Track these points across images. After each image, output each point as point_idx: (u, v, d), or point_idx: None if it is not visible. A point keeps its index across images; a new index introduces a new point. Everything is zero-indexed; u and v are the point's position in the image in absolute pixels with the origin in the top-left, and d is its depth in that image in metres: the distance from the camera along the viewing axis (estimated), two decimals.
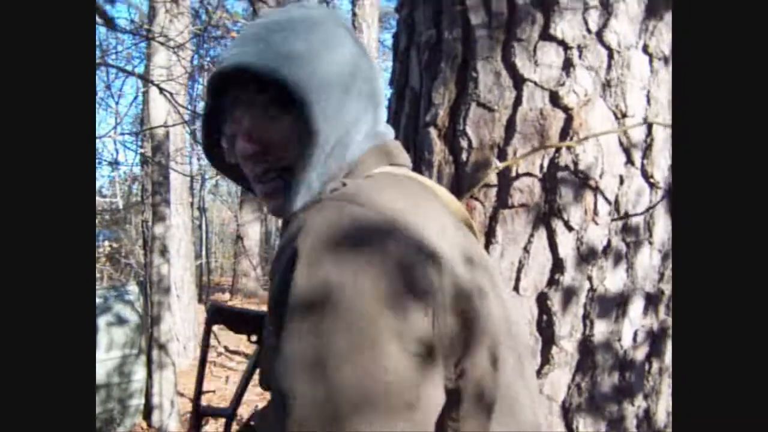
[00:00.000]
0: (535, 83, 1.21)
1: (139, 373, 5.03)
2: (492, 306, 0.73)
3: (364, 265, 0.62)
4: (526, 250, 1.21)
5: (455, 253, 0.70)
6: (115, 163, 10.76)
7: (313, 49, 0.79)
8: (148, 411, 5.19)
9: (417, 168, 1.31)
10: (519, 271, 1.21)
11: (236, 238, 11.45)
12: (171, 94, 3.16)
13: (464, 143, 1.25)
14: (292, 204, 0.79)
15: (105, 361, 4.84)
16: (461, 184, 1.25)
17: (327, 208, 0.67)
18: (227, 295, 11.95)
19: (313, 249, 0.63)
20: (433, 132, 1.29)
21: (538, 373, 1.20)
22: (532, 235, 1.21)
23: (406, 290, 0.62)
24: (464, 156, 1.25)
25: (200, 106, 9.54)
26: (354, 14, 6.32)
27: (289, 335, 0.62)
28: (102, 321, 4.83)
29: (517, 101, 1.21)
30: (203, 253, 12.45)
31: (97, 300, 4.90)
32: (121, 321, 4.89)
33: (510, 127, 1.21)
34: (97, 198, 11.92)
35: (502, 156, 1.22)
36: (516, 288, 1.21)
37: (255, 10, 5.45)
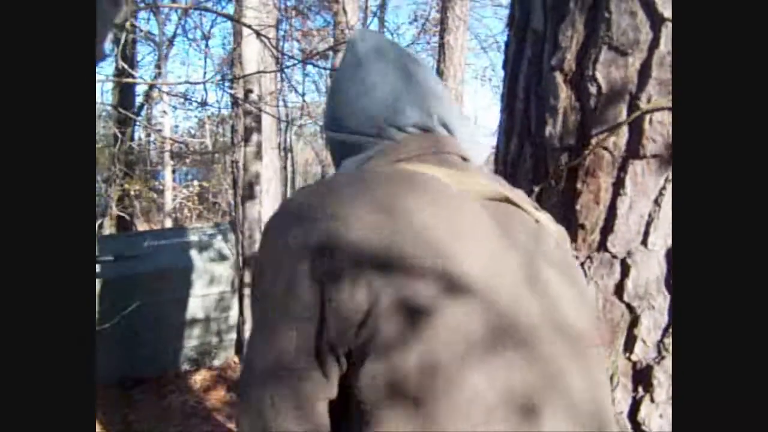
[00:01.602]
0: None
1: (235, 309, 5.23)
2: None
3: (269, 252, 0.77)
4: (656, 203, 1.15)
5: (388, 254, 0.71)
6: (204, 104, 10.97)
7: (342, 103, 0.96)
8: (239, 346, 5.41)
9: (540, 115, 1.26)
10: (648, 225, 1.15)
11: (321, 178, 11.60)
12: (268, 38, 3.15)
13: (593, 89, 1.18)
14: None
15: (206, 296, 5.04)
16: (588, 132, 1.19)
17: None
18: None
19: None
20: (558, 77, 1.23)
21: (665, 331, 1.15)
22: (663, 188, 1.14)
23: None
24: (592, 102, 1.18)
25: (288, 47, 9.57)
26: None
27: None
28: (204, 257, 5.01)
29: (654, 43, 1.13)
30: (288, 193, 12.70)
31: (196, 237, 5.08)
32: (222, 258, 5.06)
33: (644, 72, 1.14)
34: (187, 138, 12.26)
35: (634, 103, 1.15)
36: (644, 242, 1.15)
37: None
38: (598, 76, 1.17)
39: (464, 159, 0.92)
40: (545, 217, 0.92)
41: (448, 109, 0.95)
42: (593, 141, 1.18)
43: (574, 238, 1.20)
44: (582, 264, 1.19)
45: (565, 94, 1.22)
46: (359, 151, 0.92)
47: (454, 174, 0.85)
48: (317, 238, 0.72)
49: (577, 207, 1.19)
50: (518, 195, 0.92)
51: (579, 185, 1.20)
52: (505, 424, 0.69)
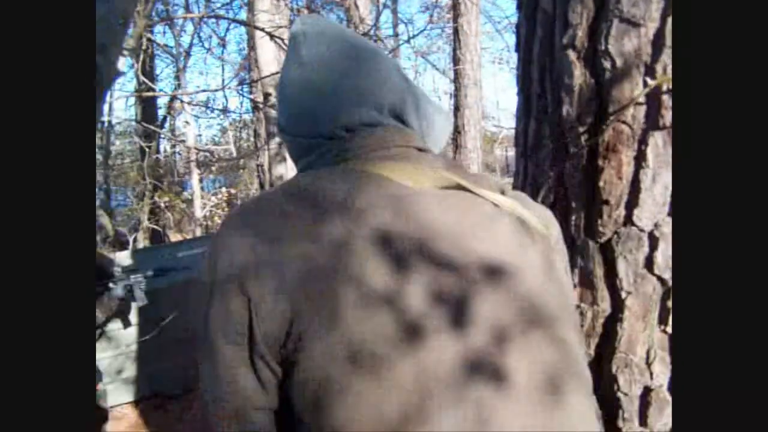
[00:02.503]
0: None
1: None
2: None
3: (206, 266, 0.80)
4: None
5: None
6: (225, 111, 11.06)
7: (289, 104, 0.93)
8: None
9: (556, 95, 1.26)
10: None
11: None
12: (282, 40, 3.16)
13: (607, 63, 1.17)
14: None
15: None
16: (605, 108, 1.18)
17: None
18: None
19: None
20: (571, 54, 1.22)
21: None
22: None
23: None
24: (607, 77, 1.17)
25: None
26: None
27: None
28: None
29: (666, 11, 1.11)
30: None
31: None
32: None
33: (658, 41, 1.13)
34: (211, 146, 12.39)
35: (650, 73, 1.13)
36: (671, 213, 1.14)
37: None
38: (611, 50, 1.16)
39: (420, 149, 0.89)
40: (508, 201, 0.85)
41: (401, 98, 0.91)
42: (611, 116, 1.17)
43: (599, 215, 1.19)
44: (609, 240, 1.19)
45: (579, 72, 1.21)
46: (313, 152, 0.90)
47: (401, 167, 0.83)
48: (243, 258, 0.75)
49: (600, 183, 1.19)
50: (478, 180, 0.87)
51: (600, 162, 1.19)
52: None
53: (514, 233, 0.81)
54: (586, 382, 0.80)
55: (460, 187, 0.82)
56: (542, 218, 0.88)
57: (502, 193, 0.87)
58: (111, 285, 3.92)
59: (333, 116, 0.88)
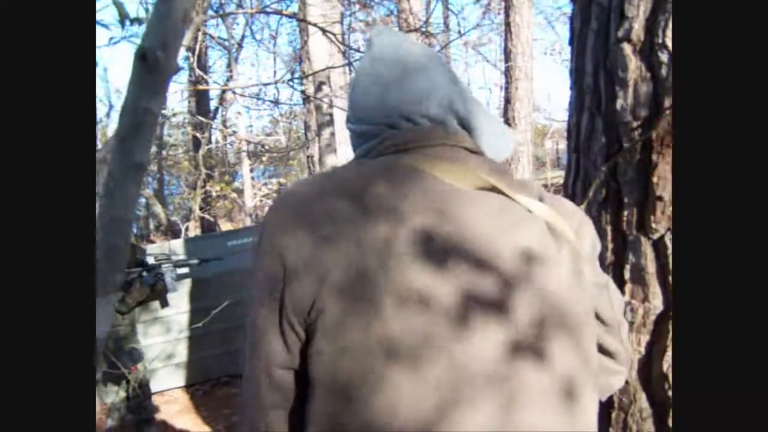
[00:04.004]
0: None
1: None
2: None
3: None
4: None
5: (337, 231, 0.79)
6: (276, 103, 11.18)
7: (358, 96, 0.97)
8: None
9: (610, 88, 1.24)
10: None
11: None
12: (334, 35, 3.18)
13: (664, 57, 1.15)
14: None
15: None
16: (661, 102, 1.16)
17: None
18: None
19: None
20: (627, 48, 1.20)
21: None
22: None
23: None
24: (664, 71, 1.16)
25: (354, 38, 9.63)
26: None
27: None
28: None
29: None
30: None
31: None
32: None
33: None
34: (262, 137, 12.55)
35: None
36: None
37: None
38: (669, 43, 1.14)
39: (472, 151, 0.91)
40: (543, 208, 0.86)
41: (463, 101, 0.94)
42: (666, 110, 1.15)
43: (652, 211, 1.18)
44: (662, 237, 1.17)
45: (634, 65, 1.19)
46: (372, 139, 0.92)
47: (446, 166, 0.86)
48: (279, 234, 0.82)
49: (654, 179, 1.17)
50: (517, 185, 0.88)
51: (654, 157, 1.17)
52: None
53: (544, 237, 0.83)
54: (595, 393, 0.86)
55: (495, 190, 0.85)
56: (576, 227, 0.89)
57: (540, 200, 0.88)
58: (143, 273, 4.05)
59: (397, 105, 0.91)
